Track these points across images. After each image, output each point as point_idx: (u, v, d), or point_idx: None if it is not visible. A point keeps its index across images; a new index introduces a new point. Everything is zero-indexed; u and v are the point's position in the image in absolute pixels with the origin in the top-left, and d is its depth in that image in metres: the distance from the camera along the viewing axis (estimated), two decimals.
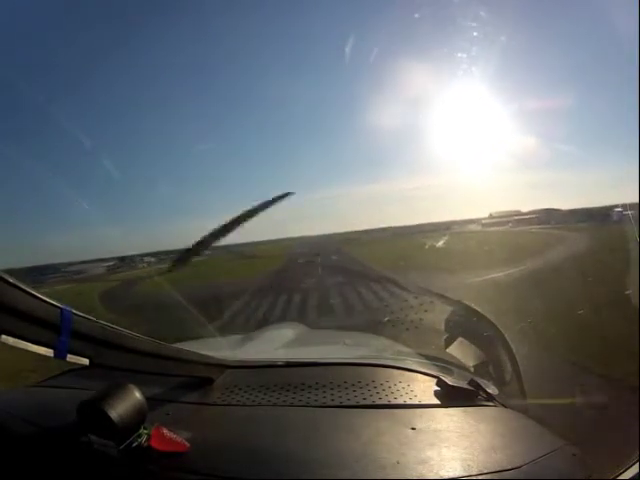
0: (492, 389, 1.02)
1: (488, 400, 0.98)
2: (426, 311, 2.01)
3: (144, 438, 0.68)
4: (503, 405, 0.99)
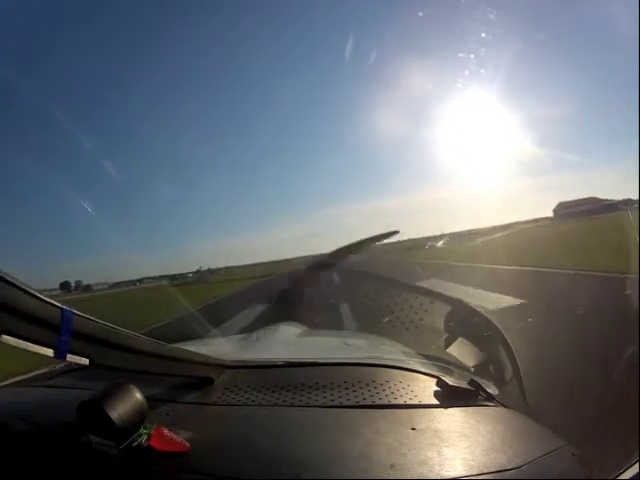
0: (492, 389, 1.03)
1: (488, 400, 0.98)
2: (426, 311, 2.00)
3: (144, 438, 0.68)
4: (503, 405, 0.99)
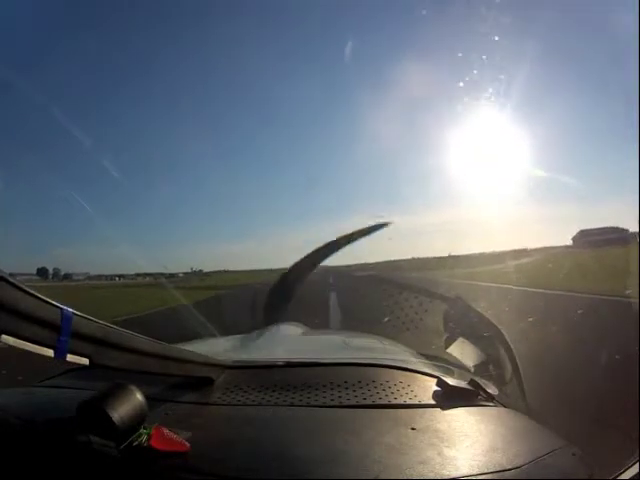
0: (492, 389, 1.03)
1: (488, 400, 0.98)
2: (426, 311, 2.01)
3: (144, 438, 0.68)
4: (503, 405, 0.99)
